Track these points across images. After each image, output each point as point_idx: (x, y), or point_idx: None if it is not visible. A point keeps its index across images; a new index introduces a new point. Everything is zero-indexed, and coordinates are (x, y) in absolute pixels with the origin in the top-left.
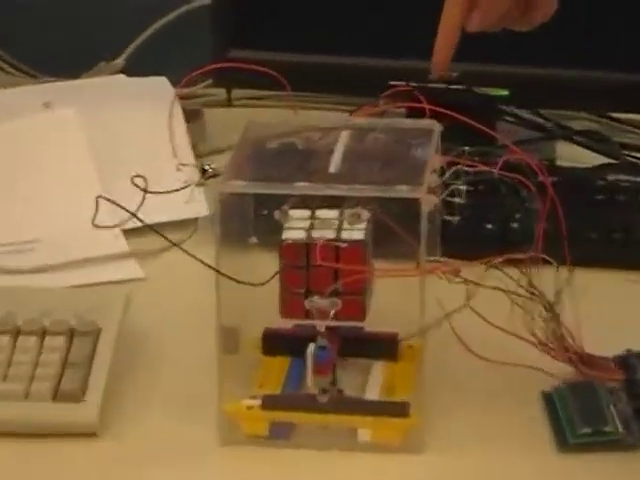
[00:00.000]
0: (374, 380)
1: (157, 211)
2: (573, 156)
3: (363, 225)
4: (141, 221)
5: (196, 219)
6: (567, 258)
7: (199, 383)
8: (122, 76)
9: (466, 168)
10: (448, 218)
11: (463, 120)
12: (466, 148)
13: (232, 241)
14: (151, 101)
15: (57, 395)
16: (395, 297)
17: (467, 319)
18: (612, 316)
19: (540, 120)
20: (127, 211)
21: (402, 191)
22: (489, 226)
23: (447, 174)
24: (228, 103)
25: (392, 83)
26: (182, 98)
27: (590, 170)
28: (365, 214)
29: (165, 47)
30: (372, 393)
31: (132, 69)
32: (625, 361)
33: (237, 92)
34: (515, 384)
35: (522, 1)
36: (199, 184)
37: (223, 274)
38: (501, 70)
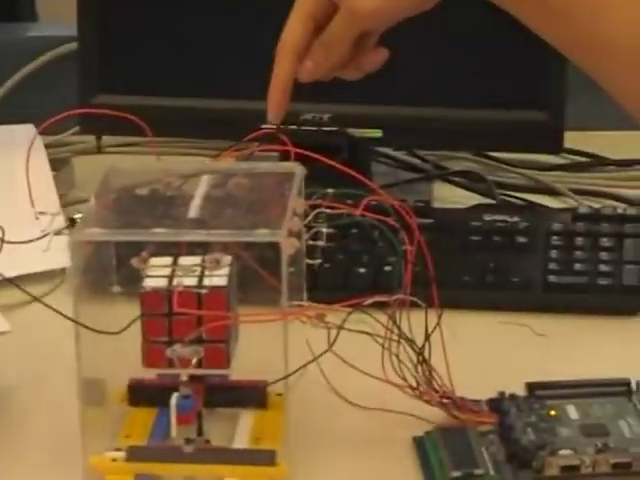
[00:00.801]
0: (242, 429)
1: (19, 262)
2: (450, 197)
3: (225, 271)
4: (7, 278)
5: (63, 269)
6: (435, 301)
7: (64, 437)
8: None
9: (329, 211)
10: (310, 262)
11: (327, 162)
12: (329, 190)
13: (95, 291)
14: (16, 149)
15: None
16: (263, 344)
17: (337, 365)
18: (484, 359)
19: (416, 161)
20: None
21: (262, 235)
22: (361, 270)
23: (309, 217)
24: (98, 150)
25: (262, 126)
26: (51, 146)
27: (465, 211)
28: (226, 259)
29: (34, 94)
30: (240, 442)
31: None
32: (498, 404)
33: (108, 139)
34: (386, 430)
35: (352, 50)
36: (58, 233)
37: (80, 324)
38: (373, 111)
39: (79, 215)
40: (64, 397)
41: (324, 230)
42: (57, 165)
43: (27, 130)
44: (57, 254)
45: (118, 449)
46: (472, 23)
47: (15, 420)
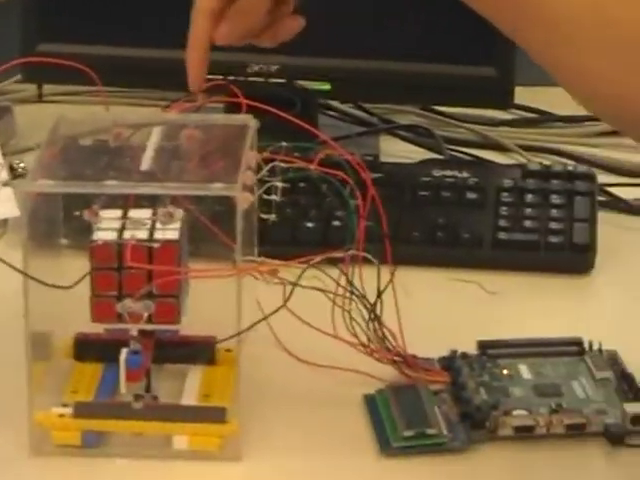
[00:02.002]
0: (190, 386)
1: None
2: (397, 151)
3: (177, 225)
4: None
5: (6, 220)
6: (389, 257)
7: (9, 391)
8: None
9: (283, 165)
10: (264, 216)
11: (280, 115)
12: (283, 144)
13: (41, 243)
14: None
15: None
16: (213, 299)
17: (288, 321)
18: (436, 316)
19: (363, 114)
20: None
21: (216, 189)
22: (309, 225)
23: (263, 171)
24: (39, 99)
25: (209, 77)
26: None
27: (414, 166)
28: (179, 213)
29: None
30: (188, 399)
31: None
32: (450, 363)
33: (50, 88)
34: (337, 387)
35: (268, 17)
36: (5, 184)
37: (30, 277)
38: (322, 63)
39: (22, 164)
40: (8, 350)
41: (279, 184)
42: None
43: None
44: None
45: (65, 405)
46: None
47: None
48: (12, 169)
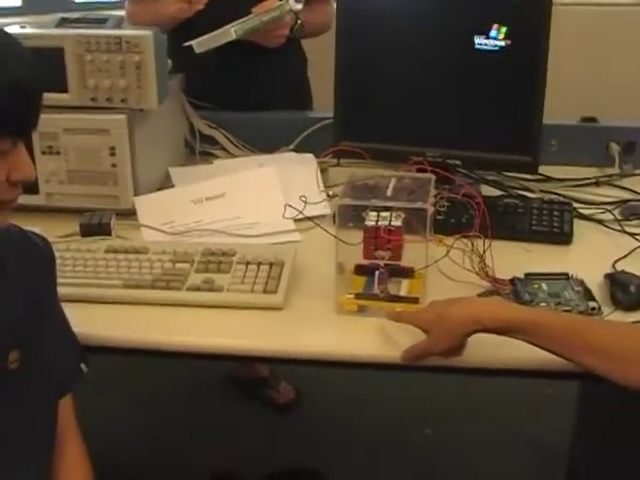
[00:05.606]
0: (404, 287)
1: (308, 211)
2: (486, 191)
3: (401, 219)
4: (306, 216)
5: (324, 215)
6: (490, 236)
7: (328, 288)
8: (293, 153)
9: (446, 195)
10: (438, 217)
11: (444, 174)
12: (446, 186)
13: (341, 226)
14: (305, 165)
15: (266, 290)
16: (413, 252)
17: (445, 263)
18: (508, 261)
19: (472, 174)
20: (299, 211)
21: (419, 204)
22: (452, 220)
23: (437, 199)
24: (338, 164)
25: (416, 158)
26: (319, 163)
27: (495, 197)
28: (402, 214)
29: (310, 140)
30: (403, 292)
31: (297, 150)
32: (513, 281)
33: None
34: (466, 289)
35: None
36: (328, 200)
37: (340, 239)
38: (456, 153)
39: (331, 192)
40: (327, 269)
41: (446, 204)
42: (322, 171)
43: (309, 157)
44: (323, 207)
45: (350, 293)
46: None
47: (306, 279)
48: (327, 194)
